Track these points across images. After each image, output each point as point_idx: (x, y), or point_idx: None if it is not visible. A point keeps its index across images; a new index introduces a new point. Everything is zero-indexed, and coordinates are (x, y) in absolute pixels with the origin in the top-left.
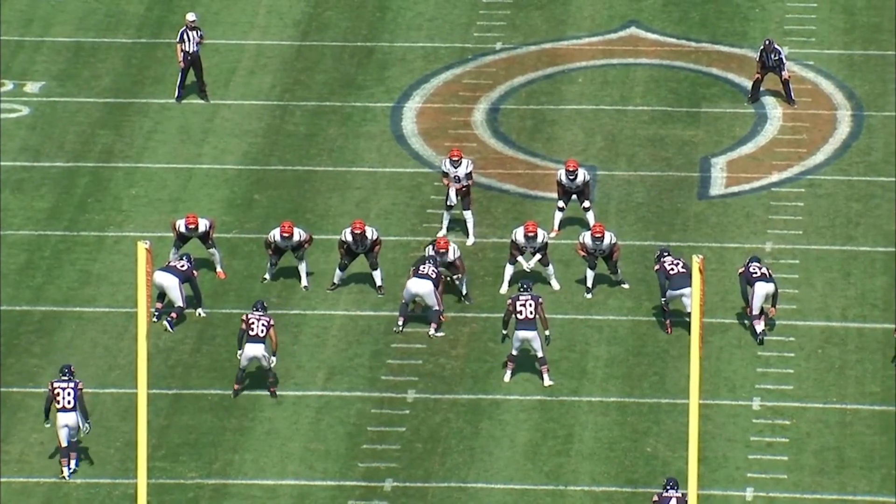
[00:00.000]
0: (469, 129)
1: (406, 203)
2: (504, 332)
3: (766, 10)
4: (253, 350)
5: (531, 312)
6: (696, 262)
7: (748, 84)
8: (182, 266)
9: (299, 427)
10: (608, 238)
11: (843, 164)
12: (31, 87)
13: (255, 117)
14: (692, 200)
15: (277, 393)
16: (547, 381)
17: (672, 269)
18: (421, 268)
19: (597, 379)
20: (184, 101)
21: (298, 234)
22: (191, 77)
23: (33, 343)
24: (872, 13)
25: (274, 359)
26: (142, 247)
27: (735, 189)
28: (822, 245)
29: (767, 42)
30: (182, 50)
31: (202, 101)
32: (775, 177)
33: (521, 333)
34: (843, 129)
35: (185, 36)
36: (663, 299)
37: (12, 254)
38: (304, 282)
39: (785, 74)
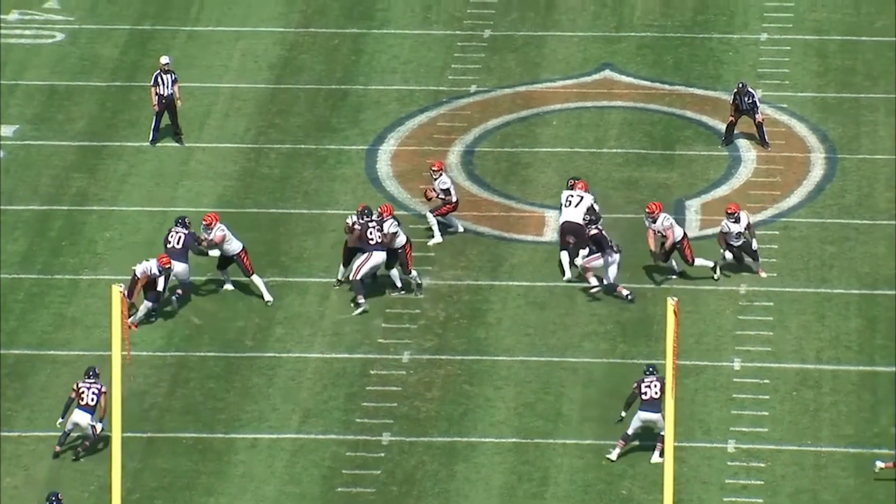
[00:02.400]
0: (444, 171)
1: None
2: (623, 413)
3: (739, 53)
4: (79, 417)
5: (656, 393)
6: (670, 304)
7: (722, 126)
8: (180, 242)
9: (274, 470)
10: (744, 218)
11: (817, 207)
12: (5, 130)
13: (230, 160)
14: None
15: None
16: (656, 458)
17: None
18: (369, 240)
19: (572, 421)
20: (158, 145)
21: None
22: (165, 120)
23: (7, 387)
24: (846, 56)
25: (100, 425)
26: (116, 290)
27: (709, 231)
28: (797, 287)
29: (741, 85)
30: (156, 93)
31: (177, 145)
32: (749, 219)
33: (645, 415)
34: (817, 172)
35: (159, 79)
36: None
37: None
38: (266, 296)
39: (759, 117)
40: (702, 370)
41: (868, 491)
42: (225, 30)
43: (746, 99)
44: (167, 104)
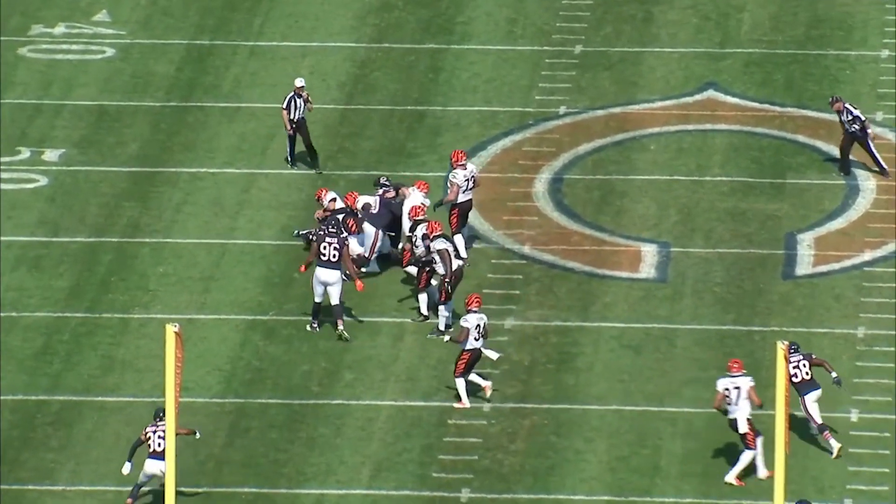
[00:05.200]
0: (529, 200)
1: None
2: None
3: (857, 71)
4: (152, 467)
5: (807, 374)
6: (780, 348)
7: (838, 152)
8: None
9: None
10: None
11: None
12: (50, 154)
13: (295, 188)
14: (776, 281)
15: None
16: (834, 446)
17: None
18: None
19: (671, 477)
20: (217, 170)
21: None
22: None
23: (50, 436)
24: None
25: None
26: (170, 330)
27: (824, 268)
28: None
29: (834, 100)
30: (289, 118)
31: (238, 171)
32: (868, 255)
33: (809, 396)
34: None
35: (293, 103)
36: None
37: (28, 338)
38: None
39: (869, 140)
40: None
41: None
42: (290, 45)
43: (844, 117)
44: (299, 128)
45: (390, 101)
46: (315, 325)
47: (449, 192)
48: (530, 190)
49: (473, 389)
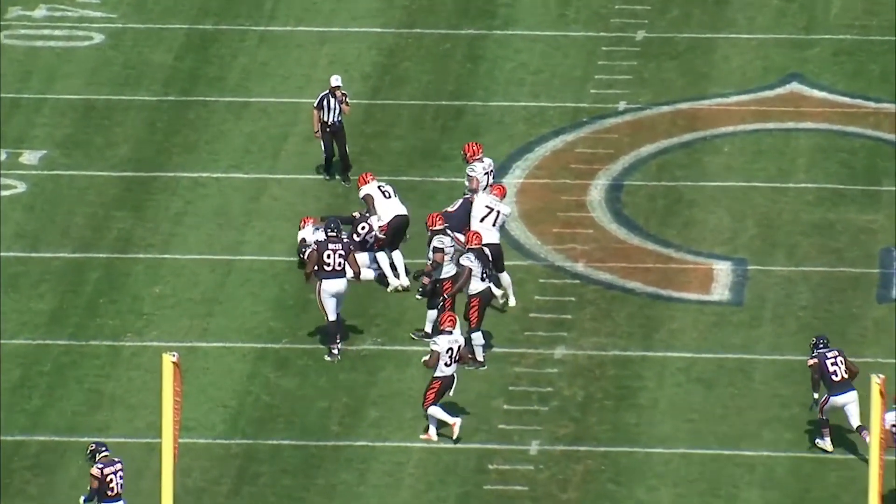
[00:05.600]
0: (584, 210)
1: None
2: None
3: None
4: None
5: (847, 372)
6: (875, 382)
7: None
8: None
9: None
10: None
11: None
12: (29, 157)
13: (312, 196)
14: (870, 304)
15: None
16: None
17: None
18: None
19: None
20: (222, 175)
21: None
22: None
23: (28, 483)
24: None
25: None
26: (168, 360)
27: None
28: None
29: None
30: (320, 119)
31: (246, 175)
32: None
33: (841, 399)
34: None
35: (326, 102)
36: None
37: (3, 369)
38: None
39: None
40: None
41: None
42: (307, 30)
43: None
44: (334, 132)
45: (422, 96)
46: (336, 352)
47: (471, 187)
48: (584, 198)
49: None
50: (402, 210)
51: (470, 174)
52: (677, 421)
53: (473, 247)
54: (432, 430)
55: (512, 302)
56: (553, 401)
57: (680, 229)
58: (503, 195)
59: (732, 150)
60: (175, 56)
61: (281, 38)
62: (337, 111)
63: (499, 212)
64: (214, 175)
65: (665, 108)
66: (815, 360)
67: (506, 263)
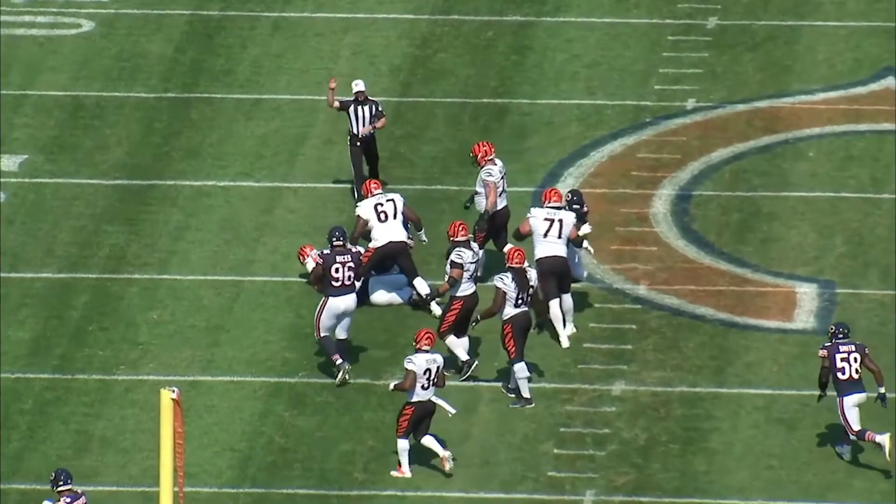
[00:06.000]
0: (647, 224)
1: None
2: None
3: None
4: None
5: (856, 371)
6: None
7: None
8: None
9: None
10: None
11: None
12: (7, 162)
13: (333, 207)
14: None
15: None
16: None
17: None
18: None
19: None
20: (230, 183)
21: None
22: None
23: None
24: None
25: None
26: (167, 396)
27: None
28: None
29: None
30: (349, 131)
31: (257, 184)
32: None
33: (852, 399)
34: None
35: (353, 112)
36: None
37: None
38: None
39: None
40: None
41: None
42: (327, 17)
43: None
44: (365, 147)
45: (460, 92)
46: (344, 371)
47: (487, 195)
48: (647, 210)
49: (427, 458)
50: (399, 236)
51: (486, 179)
52: (754, 468)
53: (514, 265)
54: (405, 464)
55: (570, 330)
56: (611, 444)
57: (757, 246)
58: (561, 201)
59: (818, 156)
60: (175, 46)
61: (297, 25)
62: (368, 120)
63: (562, 220)
64: (221, 183)
65: (740, 107)
66: (826, 352)
67: None
